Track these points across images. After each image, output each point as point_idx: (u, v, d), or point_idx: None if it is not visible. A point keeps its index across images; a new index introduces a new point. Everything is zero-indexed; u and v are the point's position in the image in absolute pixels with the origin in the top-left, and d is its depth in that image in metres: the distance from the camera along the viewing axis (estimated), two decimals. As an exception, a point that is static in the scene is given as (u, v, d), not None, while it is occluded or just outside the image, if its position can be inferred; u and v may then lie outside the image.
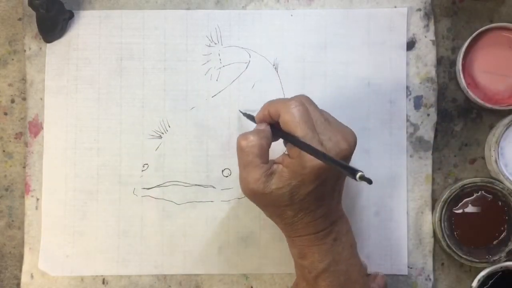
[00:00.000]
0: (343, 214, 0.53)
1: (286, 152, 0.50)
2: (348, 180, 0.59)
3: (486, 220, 0.58)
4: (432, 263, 0.59)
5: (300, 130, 0.48)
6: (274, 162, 0.50)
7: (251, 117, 0.57)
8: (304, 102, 0.50)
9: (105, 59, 0.61)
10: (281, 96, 0.60)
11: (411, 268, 0.59)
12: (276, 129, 0.51)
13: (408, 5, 0.60)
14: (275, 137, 0.52)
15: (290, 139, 0.49)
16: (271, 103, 0.51)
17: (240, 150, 0.50)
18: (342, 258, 0.51)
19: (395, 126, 0.60)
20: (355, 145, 0.50)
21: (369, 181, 0.40)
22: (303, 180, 0.48)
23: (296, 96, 0.51)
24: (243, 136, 0.50)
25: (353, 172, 0.41)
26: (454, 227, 0.58)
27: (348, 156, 0.50)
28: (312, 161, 0.47)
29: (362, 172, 0.41)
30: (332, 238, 0.50)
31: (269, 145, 0.51)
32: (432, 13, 0.60)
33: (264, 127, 0.52)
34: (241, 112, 0.59)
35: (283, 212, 0.50)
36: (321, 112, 0.51)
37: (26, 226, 0.60)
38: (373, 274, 0.58)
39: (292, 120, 0.48)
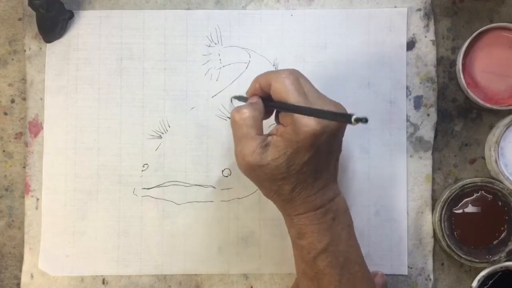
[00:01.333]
0: (340, 192, 0.52)
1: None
2: (349, 180, 0.60)
3: (486, 220, 0.58)
4: (432, 263, 0.59)
5: (292, 97, 0.48)
6: (268, 134, 0.50)
7: (243, 98, 0.57)
8: (295, 73, 0.50)
9: (105, 59, 0.61)
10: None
11: (411, 268, 0.59)
12: (267, 101, 0.52)
13: (408, 5, 0.60)
14: (267, 110, 0.52)
15: (283, 106, 0.49)
16: (261, 75, 0.52)
17: (234, 123, 0.51)
18: (341, 239, 0.50)
19: (395, 126, 0.60)
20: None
21: (365, 120, 0.41)
22: (298, 148, 0.48)
23: (286, 69, 0.51)
24: (236, 109, 0.51)
25: (347, 118, 0.41)
26: (454, 227, 0.58)
27: (341, 125, 0.50)
28: (305, 127, 0.47)
29: (354, 114, 0.41)
30: (330, 218, 0.50)
31: (262, 117, 0.51)
32: (432, 13, 0.60)
33: (256, 99, 0.52)
34: (233, 97, 0.60)
35: (280, 187, 0.50)
36: (312, 85, 0.51)
37: (26, 226, 0.60)
38: (373, 273, 0.58)
39: (284, 88, 0.49)
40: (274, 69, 0.60)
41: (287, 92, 0.49)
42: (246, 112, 0.50)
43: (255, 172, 0.50)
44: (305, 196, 0.50)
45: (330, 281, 0.50)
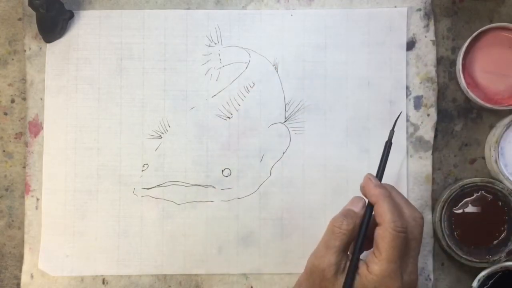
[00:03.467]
0: None
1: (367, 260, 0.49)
2: (349, 180, 0.59)
3: (486, 220, 0.58)
4: (432, 263, 0.59)
5: (389, 254, 0.47)
6: (351, 260, 0.49)
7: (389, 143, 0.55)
8: (416, 228, 0.49)
9: (105, 59, 0.61)
10: (281, 96, 0.60)
11: (411, 268, 0.59)
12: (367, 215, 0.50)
13: (408, 5, 0.60)
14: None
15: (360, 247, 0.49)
16: (385, 201, 0.49)
17: (331, 229, 0.50)
18: None
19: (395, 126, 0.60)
20: None
21: None
22: None
23: (414, 212, 0.50)
24: (340, 219, 0.50)
25: None
26: (454, 227, 0.58)
27: None
28: None
29: None
30: None
31: (356, 231, 0.50)
32: (432, 13, 0.60)
33: (361, 210, 0.51)
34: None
35: None
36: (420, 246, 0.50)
37: (26, 226, 0.60)
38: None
39: (388, 241, 0.47)
40: (274, 69, 0.60)
41: (390, 246, 0.47)
42: (346, 228, 0.49)
43: (317, 276, 0.49)
44: None
45: None
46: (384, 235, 0.48)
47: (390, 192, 0.51)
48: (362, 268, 0.48)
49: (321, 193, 0.60)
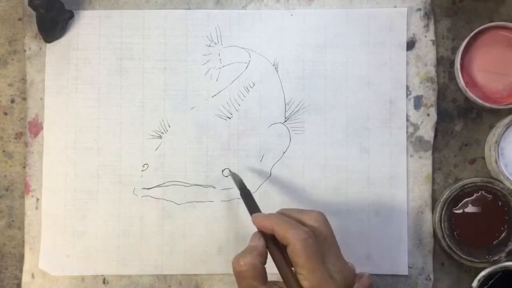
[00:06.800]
0: None
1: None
2: (349, 179, 0.60)
3: (486, 220, 0.58)
4: (432, 263, 0.59)
5: (309, 265, 0.46)
6: (275, 284, 0.48)
7: (244, 191, 0.55)
8: (321, 224, 0.48)
9: (105, 59, 0.61)
10: (281, 96, 0.60)
11: (411, 268, 0.59)
12: (273, 246, 0.49)
13: (408, 5, 0.60)
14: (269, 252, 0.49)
15: (282, 269, 0.47)
16: (279, 223, 0.48)
17: (235, 273, 0.48)
18: None
19: (395, 126, 0.60)
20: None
21: None
22: None
23: (310, 216, 0.49)
24: (236, 258, 0.48)
25: None
26: (454, 227, 0.58)
27: None
28: None
29: None
30: None
31: (264, 262, 0.48)
32: (432, 13, 0.60)
33: (258, 242, 0.49)
34: (230, 173, 0.58)
35: None
36: (334, 240, 0.49)
37: (26, 226, 0.60)
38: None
39: (300, 255, 0.46)
40: (274, 69, 0.60)
41: (304, 260, 0.46)
42: (246, 264, 0.47)
43: None
44: None
45: None
46: (294, 250, 0.46)
47: (281, 214, 0.50)
48: None
49: (321, 193, 0.60)
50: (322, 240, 0.48)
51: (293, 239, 0.46)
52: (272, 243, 0.49)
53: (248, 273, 0.47)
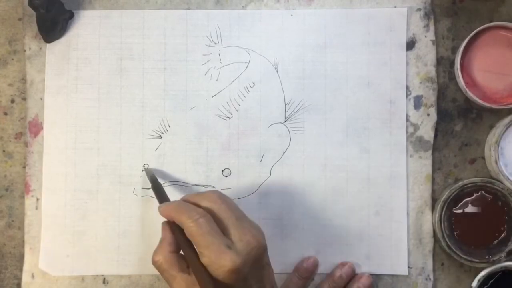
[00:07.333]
0: None
1: None
2: (349, 179, 0.60)
3: (486, 220, 0.58)
4: (432, 263, 0.59)
5: (204, 242, 0.47)
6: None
7: (156, 187, 0.56)
8: (214, 202, 0.50)
9: (105, 59, 0.61)
10: (281, 96, 0.60)
11: (411, 268, 0.59)
12: (179, 233, 0.50)
13: (408, 5, 0.60)
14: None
15: (185, 252, 0.49)
16: (175, 209, 0.50)
17: (156, 269, 0.50)
18: None
19: (395, 126, 0.60)
20: (265, 241, 0.50)
21: None
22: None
23: (204, 197, 0.50)
24: (153, 254, 0.50)
25: None
26: (454, 227, 0.58)
27: (260, 253, 0.49)
28: (222, 267, 0.46)
29: None
30: None
31: (176, 250, 0.50)
32: (432, 13, 0.60)
33: (165, 232, 0.51)
34: (144, 168, 0.60)
35: None
36: (233, 210, 0.50)
37: (26, 226, 0.60)
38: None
39: (195, 235, 0.48)
40: (274, 69, 0.60)
41: (198, 239, 0.47)
42: (159, 255, 0.50)
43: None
44: None
45: None
46: (188, 231, 0.48)
47: (181, 200, 0.52)
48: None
49: (321, 193, 0.60)
50: (219, 216, 0.49)
51: (186, 221, 0.48)
52: (178, 230, 0.50)
53: (164, 265, 0.49)
